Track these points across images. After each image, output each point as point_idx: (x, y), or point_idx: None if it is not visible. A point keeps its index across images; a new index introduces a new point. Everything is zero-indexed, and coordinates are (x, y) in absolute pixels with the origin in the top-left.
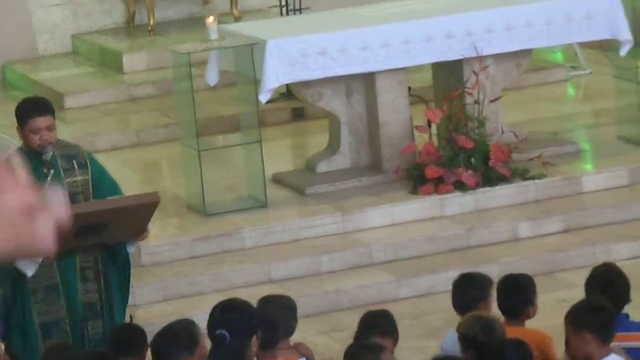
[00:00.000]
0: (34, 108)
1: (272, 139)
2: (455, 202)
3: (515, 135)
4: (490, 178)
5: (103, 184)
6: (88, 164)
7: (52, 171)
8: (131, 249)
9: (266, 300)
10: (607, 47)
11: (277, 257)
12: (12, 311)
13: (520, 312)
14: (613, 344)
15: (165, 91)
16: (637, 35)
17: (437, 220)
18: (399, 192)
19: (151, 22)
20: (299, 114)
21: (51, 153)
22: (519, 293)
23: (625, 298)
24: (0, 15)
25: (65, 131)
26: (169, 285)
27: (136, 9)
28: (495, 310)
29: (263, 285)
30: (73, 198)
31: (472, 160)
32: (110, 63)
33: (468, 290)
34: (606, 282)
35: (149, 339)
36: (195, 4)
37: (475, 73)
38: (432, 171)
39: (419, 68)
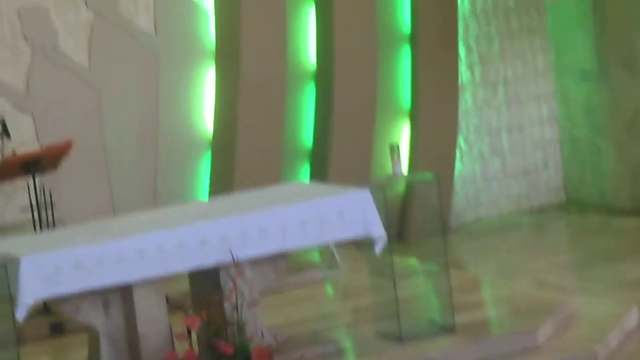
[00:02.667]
0: None
1: (31, 356)
2: None
3: (276, 338)
4: None
5: None
6: None
7: None
8: None
9: None
10: (362, 244)
11: None
12: None
13: None
14: None
15: None
16: (391, 231)
17: None
18: None
19: None
20: (57, 329)
21: None
22: None
23: None
24: None
25: None
26: None
27: None
28: None
29: None
30: None
31: None
32: None
33: None
34: None
35: None
36: None
37: (232, 279)
38: None
39: (176, 276)
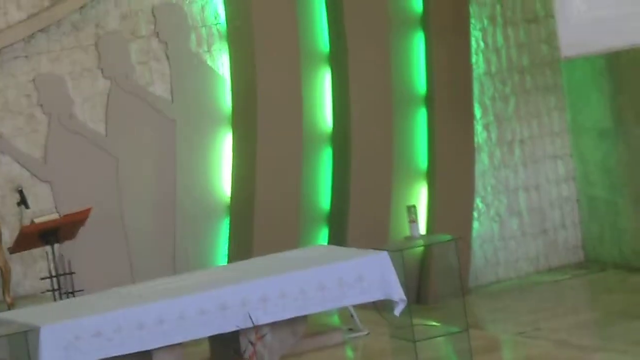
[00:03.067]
0: None
1: None
2: None
3: None
4: None
5: None
6: None
7: None
8: None
9: None
10: (382, 307)
11: None
12: None
13: None
14: None
15: None
16: (410, 293)
17: None
18: None
19: None
20: None
21: None
22: None
23: None
24: None
25: None
26: None
27: None
28: None
29: None
30: None
31: None
32: None
33: None
34: None
35: None
36: None
37: (251, 343)
38: None
39: (196, 341)
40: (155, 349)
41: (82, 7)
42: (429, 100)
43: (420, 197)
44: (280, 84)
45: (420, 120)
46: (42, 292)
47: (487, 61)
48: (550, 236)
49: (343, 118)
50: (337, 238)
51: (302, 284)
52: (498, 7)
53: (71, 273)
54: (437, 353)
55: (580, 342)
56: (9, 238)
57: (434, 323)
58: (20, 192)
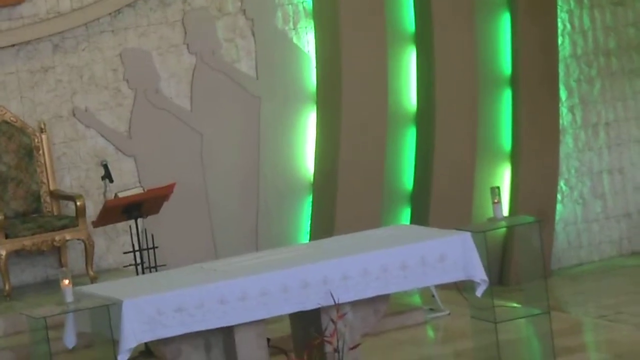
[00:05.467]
0: None
1: None
2: None
3: None
4: None
5: None
6: None
7: None
8: None
9: None
10: (463, 288)
11: None
12: None
13: None
14: None
15: (24, 357)
16: (492, 274)
17: None
18: None
19: (7, 287)
20: None
21: None
22: None
23: None
24: None
25: None
26: None
27: None
28: None
29: None
30: None
31: None
32: None
33: None
34: None
35: None
36: (50, 267)
37: (333, 321)
38: None
39: (277, 318)
40: (236, 325)
41: None
42: (514, 81)
43: (503, 178)
44: (366, 63)
45: (505, 101)
46: (125, 266)
47: (573, 43)
48: (634, 219)
49: (428, 98)
50: (420, 218)
51: (384, 262)
52: None
53: (154, 247)
54: (518, 335)
55: None
56: (93, 212)
57: (515, 305)
58: (105, 166)
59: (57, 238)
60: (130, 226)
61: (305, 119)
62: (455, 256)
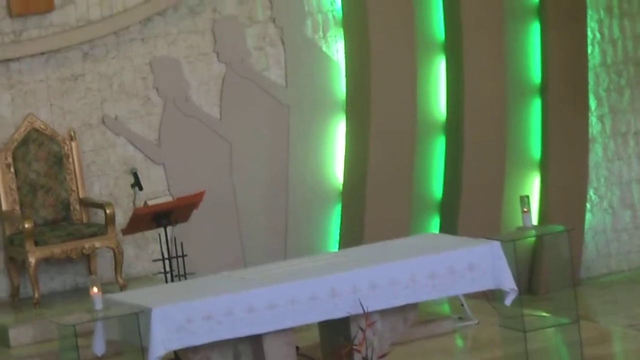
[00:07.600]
0: None
1: None
2: None
3: None
4: None
5: None
6: None
7: None
8: None
9: None
10: (492, 297)
11: None
12: None
13: None
14: None
15: None
16: (521, 283)
17: None
18: None
19: (36, 294)
20: None
21: None
22: None
23: None
24: None
25: None
26: None
27: (20, 282)
28: None
29: None
30: None
31: None
32: None
33: None
34: None
35: None
36: (79, 275)
37: (362, 330)
38: None
39: (306, 327)
40: (265, 334)
41: None
42: (544, 90)
43: (533, 187)
44: (395, 71)
45: (534, 110)
46: (154, 274)
47: (603, 52)
48: None
49: (457, 107)
50: (449, 227)
51: (413, 271)
52: None
53: (183, 256)
54: (547, 344)
55: None
56: (122, 219)
57: (544, 314)
58: (135, 174)
59: (86, 246)
60: (159, 234)
61: (334, 128)
62: (484, 265)
